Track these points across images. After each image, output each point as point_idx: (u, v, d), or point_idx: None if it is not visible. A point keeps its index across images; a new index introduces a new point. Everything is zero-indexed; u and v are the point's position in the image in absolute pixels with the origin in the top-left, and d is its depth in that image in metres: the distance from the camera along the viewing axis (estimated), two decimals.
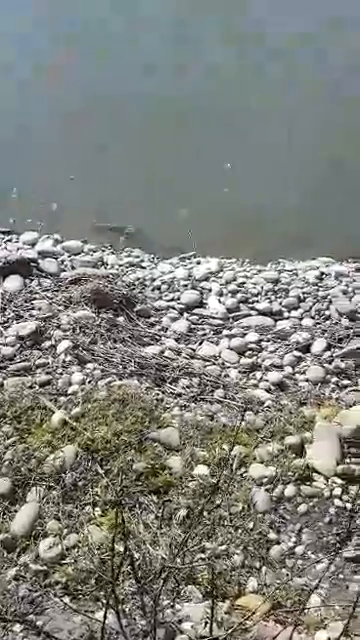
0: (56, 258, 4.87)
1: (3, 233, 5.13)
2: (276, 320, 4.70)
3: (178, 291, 4.83)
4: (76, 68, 6.77)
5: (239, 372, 4.12)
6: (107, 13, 7.48)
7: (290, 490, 3.26)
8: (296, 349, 4.32)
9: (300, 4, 7.54)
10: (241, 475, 3.29)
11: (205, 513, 3.05)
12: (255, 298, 4.89)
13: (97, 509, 2.96)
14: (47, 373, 3.72)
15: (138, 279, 4.87)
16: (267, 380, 4.08)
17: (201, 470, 3.24)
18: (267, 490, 3.24)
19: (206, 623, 2.14)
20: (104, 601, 2.24)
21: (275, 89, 6.77)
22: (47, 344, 3.96)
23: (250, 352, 4.31)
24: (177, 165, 5.91)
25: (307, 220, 5.53)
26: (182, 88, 6.65)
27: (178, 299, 4.77)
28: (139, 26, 7.44)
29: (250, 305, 4.83)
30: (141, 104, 6.39)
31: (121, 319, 4.36)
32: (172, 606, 2.34)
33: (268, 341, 4.44)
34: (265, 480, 3.28)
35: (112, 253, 5.13)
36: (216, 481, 3.14)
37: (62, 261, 4.86)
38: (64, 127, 6.07)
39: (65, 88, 6.48)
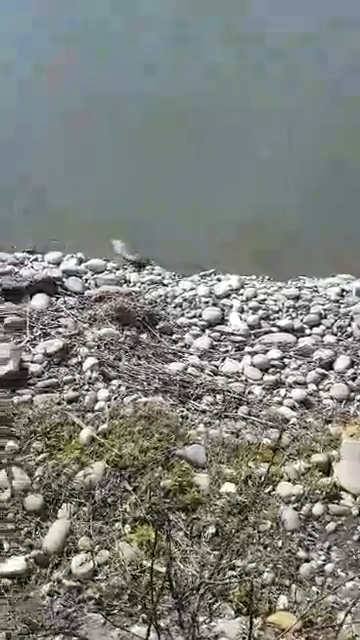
0: (80, 277, 4.95)
1: (28, 252, 5.23)
2: (298, 337, 4.71)
3: (199, 308, 4.88)
4: (77, 68, 6.79)
5: (263, 389, 4.14)
6: (107, 13, 7.54)
7: (318, 508, 3.27)
8: (319, 366, 4.33)
9: (300, 4, 7.58)
10: (268, 493, 3.30)
11: (234, 531, 3.07)
12: (276, 315, 4.92)
13: (127, 526, 2.99)
14: (74, 389, 3.77)
15: (160, 296, 4.93)
16: (291, 397, 4.08)
17: (228, 488, 3.25)
18: (295, 508, 3.25)
19: (243, 639, 2.15)
20: (140, 616, 2.25)
21: (275, 89, 6.77)
22: (73, 361, 4.01)
23: (273, 369, 4.32)
24: (186, 175, 5.90)
25: (326, 236, 5.59)
26: (182, 88, 6.67)
27: (200, 316, 4.81)
28: (139, 26, 7.49)
29: (271, 322, 4.86)
30: (141, 104, 6.42)
31: (144, 336, 4.42)
32: (208, 622, 2.35)
33: (290, 358, 4.46)
34: (293, 498, 3.29)
35: (134, 271, 5.21)
36: (244, 499, 3.18)
37: (86, 279, 4.95)
38: (70, 136, 6.09)
39: (67, 89, 6.51)
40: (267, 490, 3.32)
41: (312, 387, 4.21)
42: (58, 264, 5.11)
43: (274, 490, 3.33)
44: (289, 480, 3.38)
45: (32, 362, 3.93)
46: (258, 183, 5.84)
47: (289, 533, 3.11)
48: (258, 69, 6.94)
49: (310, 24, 7.30)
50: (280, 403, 4.04)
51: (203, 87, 6.69)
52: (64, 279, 4.87)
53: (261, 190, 5.83)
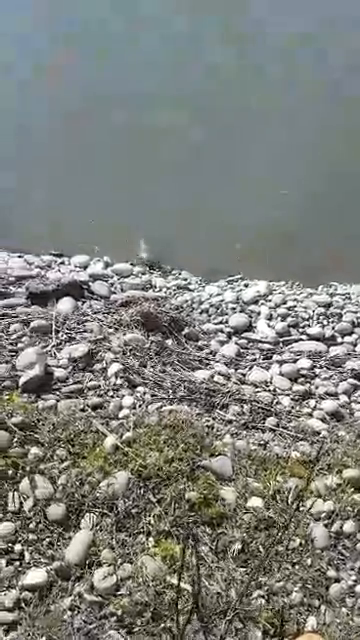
0: (106, 281, 4.91)
1: (55, 256, 5.22)
2: (329, 346, 4.59)
3: (226, 314, 4.79)
4: (77, 68, 6.77)
5: (291, 399, 4.02)
6: (107, 13, 7.52)
7: (349, 526, 3.13)
8: (351, 377, 4.18)
9: (300, 4, 7.48)
10: (297, 509, 3.17)
11: (261, 548, 2.96)
12: (306, 322, 4.80)
13: (150, 539, 2.90)
14: (99, 396, 3.71)
15: (186, 302, 4.86)
16: (322, 409, 3.95)
17: (255, 502, 3.14)
18: (325, 525, 3.12)
19: None
20: (163, 637, 2.16)
21: (275, 89, 6.71)
22: (98, 366, 3.95)
23: (302, 379, 4.20)
24: (204, 176, 5.84)
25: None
26: (182, 88, 6.65)
27: (226, 322, 4.72)
28: (139, 26, 7.44)
29: (301, 330, 4.74)
30: (141, 104, 6.38)
31: (170, 342, 4.34)
32: None
33: (321, 368, 4.33)
34: (323, 515, 3.16)
35: (160, 276, 5.15)
36: (272, 515, 3.07)
37: (112, 284, 4.90)
38: (84, 139, 6.08)
39: (67, 90, 6.50)
40: (296, 506, 3.20)
41: (344, 399, 4.07)
42: (85, 268, 5.08)
43: (303, 506, 3.20)
44: (319, 496, 3.25)
45: (57, 367, 3.88)
46: (284, 185, 5.75)
47: (319, 551, 2.99)
48: (258, 69, 6.90)
49: (310, 24, 7.24)
50: (310, 415, 3.91)
51: (203, 87, 6.65)
52: (90, 283, 4.83)
53: (289, 192, 5.74)
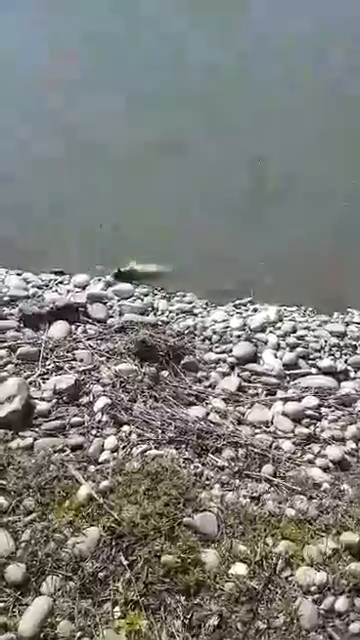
0: (105, 303, 4.65)
1: (56, 273, 5.01)
2: (340, 381, 4.20)
3: (231, 342, 4.45)
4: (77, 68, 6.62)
5: (293, 444, 3.66)
6: (106, 13, 7.50)
7: (342, 603, 2.76)
8: None
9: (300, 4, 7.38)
10: (286, 579, 2.84)
11: (239, 625, 2.65)
12: (317, 354, 4.42)
13: (117, 608, 2.63)
14: (81, 434, 3.47)
15: (188, 327, 4.55)
16: (325, 455, 3.58)
17: (239, 569, 2.82)
18: (315, 601, 2.78)
19: None
20: None
21: (275, 89, 6.53)
22: (85, 400, 3.71)
23: (307, 420, 3.83)
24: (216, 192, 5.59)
25: None
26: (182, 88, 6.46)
27: (230, 351, 4.38)
28: (139, 26, 7.39)
29: (311, 362, 4.37)
30: (142, 104, 6.25)
31: (165, 373, 4.05)
32: None
33: (329, 407, 3.95)
34: (313, 588, 2.81)
35: (163, 298, 4.85)
36: (256, 586, 2.75)
37: (111, 306, 4.64)
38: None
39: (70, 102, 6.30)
40: (285, 575, 2.87)
41: (351, 445, 3.69)
42: (84, 287, 4.84)
43: (292, 575, 2.87)
44: (311, 564, 2.91)
45: (40, 399, 3.66)
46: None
47: (304, 632, 2.65)
48: (258, 69, 6.76)
49: (310, 24, 7.11)
50: (312, 462, 3.55)
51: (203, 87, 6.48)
52: (88, 305, 4.59)
53: (305, 209, 5.39)
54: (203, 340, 4.49)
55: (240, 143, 6.00)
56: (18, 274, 4.96)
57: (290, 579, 2.84)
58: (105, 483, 3.07)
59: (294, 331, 4.54)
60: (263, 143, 5.99)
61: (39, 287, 4.81)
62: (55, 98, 6.50)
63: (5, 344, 4.01)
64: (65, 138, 5.99)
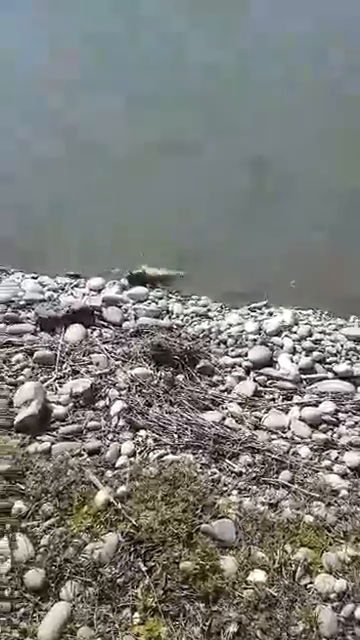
0: (120, 306, 4.65)
1: (71, 277, 5.02)
2: (357, 386, 4.17)
3: (246, 346, 4.44)
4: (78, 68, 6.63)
5: (310, 449, 3.63)
6: (106, 13, 7.51)
7: None
8: None
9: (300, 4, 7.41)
10: (305, 586, 2.82)
11: (259, 632, 2.63)
12: (333, 358, 4.39)
13: (136, 614, 2.63)
14: (98, 438, 3.46)
15: (203, 331, 4.54)
16: (343, 462, 3.56)
17: (258, 576, 2.81)
18: (334, 609, 2.76)
19: None
20: None
21: (275, 89, 6.52)
22: (101, 404, 3.71)
23: (324, 425, 3.81)
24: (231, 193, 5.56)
25: None
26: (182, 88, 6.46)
27: (245, 355, 4.37)
28: (139, 26, 7.41)
29: (327, 366, 4.34)
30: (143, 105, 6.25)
31: (181, 377, 4.04)
32: None
33: (346, 412, 3.92)
34: (333, 595, 2.80)
35: (178, 301, 4.85)
36: (275, 593, 2.73)
37: (126, 310, 4.63)
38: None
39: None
40: (304, 582, 2.85)
41: None
42: (100, 291, 4.85)
43: (312, 583, 2.85)
44: (330, 571, 2.89)
45: (57, 403, 3.66)
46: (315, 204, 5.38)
47: (324, 639, 2.63)
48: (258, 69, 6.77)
49: (310, 24, 7.13)
50: (330, 469, 3.52)
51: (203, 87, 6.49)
52: (103, 308, 4.59)
53: (317, 210, 5.37)
54: (218, 344, 4.48)
55: (240, 143, 5.99)
56: (34, 277, 4.98)
57: (309, 586, 2.82)
58: (122, 488, 3.07)
59: (310, 335, 4.51)
60: (263, 142, 5.97)
61: (55, 290, 4.82)
62: (55, 98, 6.51)
63: (22, 348, 4.02)
64: (65, 138, 5.99)
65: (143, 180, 5.62)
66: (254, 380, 4.19)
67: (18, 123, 6.33)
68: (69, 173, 5.78)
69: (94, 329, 4.38)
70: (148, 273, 5.00)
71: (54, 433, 3.47)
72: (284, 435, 3.74)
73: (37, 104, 6.56)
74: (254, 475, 3.39)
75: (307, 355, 4.37)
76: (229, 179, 5.72)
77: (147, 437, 3.49)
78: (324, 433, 3.75)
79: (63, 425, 3.53)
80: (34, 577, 2.65)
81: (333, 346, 4.43)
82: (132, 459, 3.31)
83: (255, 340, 4.47)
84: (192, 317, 4.67)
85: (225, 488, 3.28)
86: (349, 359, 4.36)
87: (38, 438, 3.40)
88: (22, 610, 2.57)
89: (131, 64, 7.02)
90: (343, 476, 3.47)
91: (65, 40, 7.37)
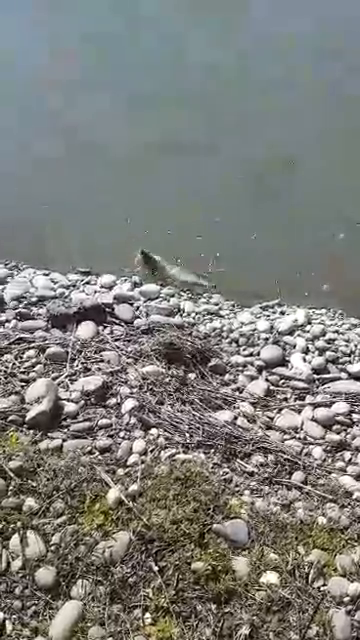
0: (132, 304, 4.62)
1: (83, 273, 5.00)
2: None
3: (258, 345, 4.40)
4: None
5: (324, 450, 3.59)
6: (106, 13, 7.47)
7: None
8: None
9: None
10: (318, 589, 2.79)
11: (271, 635, 2.60)
12: (347, 358, 4.33)
13: (147, 614, 2.61)
14: (109, 436, 3.44)
15: (215, 329, 4.50)
16: (357, 463, 3.51)
17: (270, 578, 2.78)
18: (348, 612, 2.72)
19: None
20: None
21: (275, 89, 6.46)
22: (112, 401, 3.69)
23: (338, 426, 3.76)
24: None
25: None
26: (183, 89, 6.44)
27: (257, 354, 4.33)
28: (139, 26, 7.36)
29: (340, 366, 4.29)
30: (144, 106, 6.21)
31: (192, 376, 4.01)
32: None
33: None
34: (347, 599, 2.76)
35: (190, 299, 4.81)
36: (288, 595, 2.70)
37: (137, 307, 4.60)
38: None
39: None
40: (317, 585, 2.81)
41: None
42: (111, 288, 4.82)
43: (325, 585, 2.81)
44: (344, 574, 2.85)
45: (68, 400, 3.64)
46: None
47: None
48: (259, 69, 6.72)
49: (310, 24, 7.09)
50: (343, 470, 3.48)
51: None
52: (115, 305, 4.56)
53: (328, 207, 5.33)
54: (230, 342, 4.43)
55: (243, 141, 5.96)
56: (45, 274, 4.96)
57: (323, 589, 2.78)
58: (134, 487, 3.04)
59: (323, 334, 4.46)
60: (267, 141, 5.94)
61: (66, 287, 4.80)
62: (55, 98, 6.49)
63: (34, 344, 4.01)
64: (66, 138, 5.97)
65: (148, 180, 5.59)
66: (266, 379, 4.15)
67: (18, 122, 6.33)
68: (72, 172, 5.77)
69: (105, 326, 4.35)
70: (177, 276, 4.96)
71: (65, 430, 3.45)
72: (297, 435, 3.70)
73: (37, 104, 6.55)
74: (266, 475, 3.36)
75: (320, 355, 4.32)
76: (234, 177, 5.68)
77: (158, 436, 3.47)
78: (338, 434, 3.71)
79: (74, 422, 3.51)
80: (45, 575, 2.64)
81: (347, 346, 4.38)
82: (143, 457, 3.28)
83: (267, 339, 4.43)
84: (204, 315, 4.64)
85: (237, 488, 3.25)
86: None
87: (50, 435, 3.38)
88: (33, 608, 2.56)
89: (131, 63, 7.01)
90: (357, 478, 3.42)
91: (65, 40, 7.36)
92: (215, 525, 2.92)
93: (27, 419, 3.41)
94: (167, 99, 6.45)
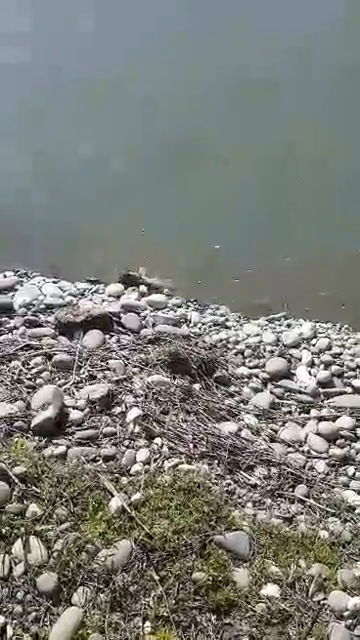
0: (139, 313, 4.66)
1: (91, 282, 5.06)
2: None
3: (263, 357, 4.42)
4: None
5: (327, 465, 3.60)
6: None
7: None
8: None
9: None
10: (318, 602, 2.78)
11: None
12: (352, 372, 4.34)
13: (147, 623, 2.61)
14: (113, 444, 3.46)
15: (221, 340, 4.53)
16: None
17: (271, 590, 2.78)
18: (348, 627, 2.71)
19: None
20: None
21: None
22: (117, 410, 3.71)
23: (342, 440, 3.76)
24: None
25: None
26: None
27: (263, 366, 4.35)
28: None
29: (346, 380, 4.30)
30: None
31: (197, 386, 4.03)
32: None
33: None
34: (347, 614, 2.75)
35: (196, 310, 4.85)
36: (288, 608, 2.70)
37: (144, 317, 4.65)
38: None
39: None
40: (317, 599, 2.80)
41: None
42: (118, 297, 4.87)
43: (325, 599, 2.80)
44: (345, 589, 2.84)
45: (74, 408, 3.67)
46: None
47: None
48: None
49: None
50: (346, 485, 3.48)
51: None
52: (122, 314, 4.61)
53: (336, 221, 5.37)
54: (236, 354, 4.46)
55: (251, 147, 6.05)
56: (54, 282, 5.03)
57: (323, 603, 2.78)
58: (137, 496, 3.06)
59: (329, 348, 4.48)
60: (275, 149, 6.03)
61: (74, 295, 4.86)
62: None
63: (41, 351, 4.05)
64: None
65: (153, 189, 5.67)
66: (271, 392, 4.17)
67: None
68: (86, 179, 5.87)
69: (112, 335, 4.39)
70: (145, 279, 5.03)
71: (70, 437, 3.48)
72: (301, 449, 3.71)
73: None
74: (269, 488, 3.36)
75: (326, 369, 4.33)
76: (242, 186, 5.75)
77: (162, 445, 3.48)
78: (341, 448, 3.72)
79: (79, 430, 3.53)
80: (47, 581, 2.65)
81: (352, 360, 4.39)
82: (147, 467, 3.30)
83: (273, 351, 4.45)
84: (210, 326, 4.67)
85: (240, 500, 3.26)
86: None
87: (54, 442, 3.41)
88: (34, 614, 2.58)
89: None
90: None
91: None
92: (217, 536, 2.93)
93: (32, 425, 3.44)
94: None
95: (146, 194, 5.65)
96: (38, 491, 2.99)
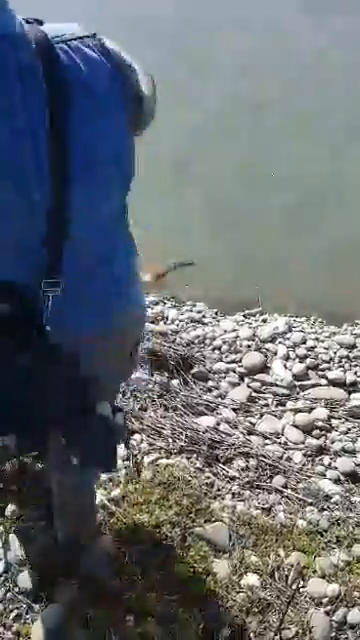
0: None
1: None
2: (350, 392, 4.21)
3: (240, 352, 4.47)
4: None
5: (304, 455, 3.67)
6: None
7: (355, 615, 2.75)
8: None
9: None
10: (297, 590, 2.83)
11: (252, 635, 2.64)
12: (326, 365, 4.43)
13: (130, 617, 2.62)
14: None
15: (198, 337, 4.57)
16: (336, 468, 3.59)
17: (251, 580, 2.82)
18: (327, 613, 2.77)
19: None
20: None
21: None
22: None
23: (317, 431, 3.84)
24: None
25: None
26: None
27: (239, 361, 4.40)
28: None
29: (320, 373, 4.38)
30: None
31: (175, 382, 4.06)
32: None
33: (339, 419, 3.96)
34: (325, 600, 2.81)
35: (174, 306, 4.88)
36: (268, 597, 2.75)
37: None
38: None
39: None
40: (296, 586, 2.86)
41: None
42: None
43: (304, 587, 2.86)
44: (323, 576, 2.91)
45: None
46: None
47: None
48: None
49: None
50: (323, 474, 3.55)
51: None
52: None
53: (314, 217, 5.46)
54: (213, 350, 4.50)
55: (226, 152, 6.12)
56: None
57: (302, 590, 2.83)
58: (117, 491, 3.07)
59: (304, 342, 4.55)
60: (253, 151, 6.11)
61: None
62: None
63: None
64: None
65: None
66: (248, 386, 4.22)
67: None
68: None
69: None
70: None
71: None
72: (278, 440, 3.77)
73: None
74: (248, 480, 3.42)
75: (301, 362, 4.40)
76: (219, 188, 5.82)
77: (142, 441, 3.51)
78: (317, 439, 3.79)
79: None
80: (27, 578, 2.64)
81: (326, 353, 4.48)
82: (127, 462, 3.32)
83: (249, 346, 4.51)
84: (187, 323, 4.70)
85: (219, 492, 3.30)
86: (342, 366, 4.40)
87: None
88: (15, 612, 2.57)
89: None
90: (336, 482, 3.50)
91: None
92: (197, 528, 2.97)
93: None
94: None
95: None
96: (17, 488, 2.98)
